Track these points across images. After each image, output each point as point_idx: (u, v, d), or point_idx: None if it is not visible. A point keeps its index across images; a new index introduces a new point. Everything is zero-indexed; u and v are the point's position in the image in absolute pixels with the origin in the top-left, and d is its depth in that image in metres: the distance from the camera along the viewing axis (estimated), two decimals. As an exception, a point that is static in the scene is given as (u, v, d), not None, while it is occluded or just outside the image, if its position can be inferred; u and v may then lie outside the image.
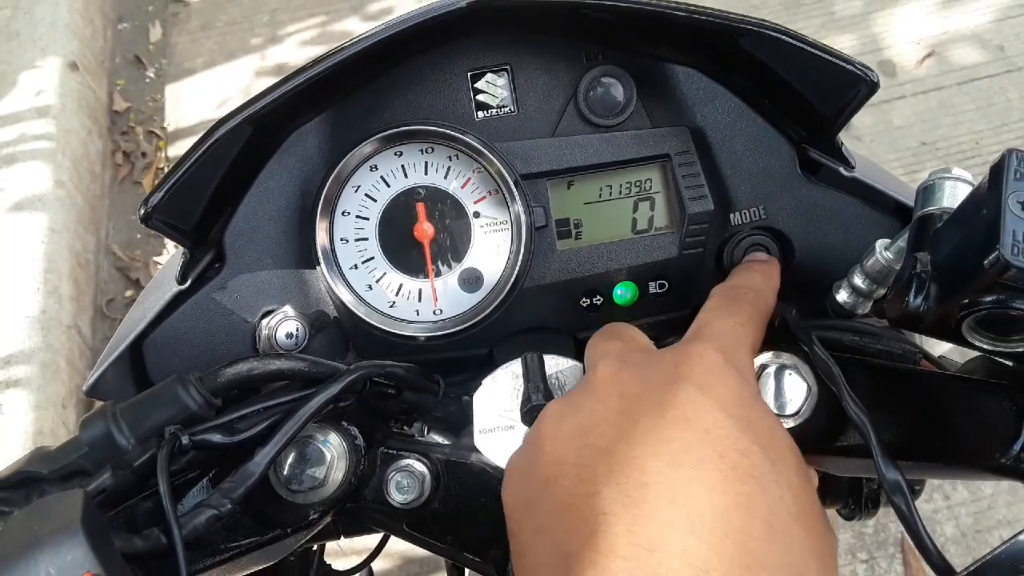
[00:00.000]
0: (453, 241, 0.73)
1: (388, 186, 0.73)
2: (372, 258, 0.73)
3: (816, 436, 0.57)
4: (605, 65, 0.72)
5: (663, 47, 0.71)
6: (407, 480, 0.64)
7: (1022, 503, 1.97)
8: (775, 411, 0.56)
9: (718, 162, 0.72)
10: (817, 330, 0.58)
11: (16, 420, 1.95)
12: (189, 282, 0.68)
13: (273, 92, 0.61)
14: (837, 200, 0.72)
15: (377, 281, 0.73)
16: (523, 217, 0.71)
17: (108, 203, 2.63)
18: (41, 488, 0.53)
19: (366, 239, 0.73)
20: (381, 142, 0.71)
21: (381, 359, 0.62)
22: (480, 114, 0.72)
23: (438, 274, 0.73)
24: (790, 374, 0.57)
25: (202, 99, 2.85)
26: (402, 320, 0.73)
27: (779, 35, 0.62)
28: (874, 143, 2.55)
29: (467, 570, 0.74)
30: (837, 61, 0.61)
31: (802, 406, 0.57)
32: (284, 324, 0.71)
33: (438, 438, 0.67)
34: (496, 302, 0.71)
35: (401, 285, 0.73)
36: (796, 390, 0.57)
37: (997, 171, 0.46)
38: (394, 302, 0.73)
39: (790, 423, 0.57)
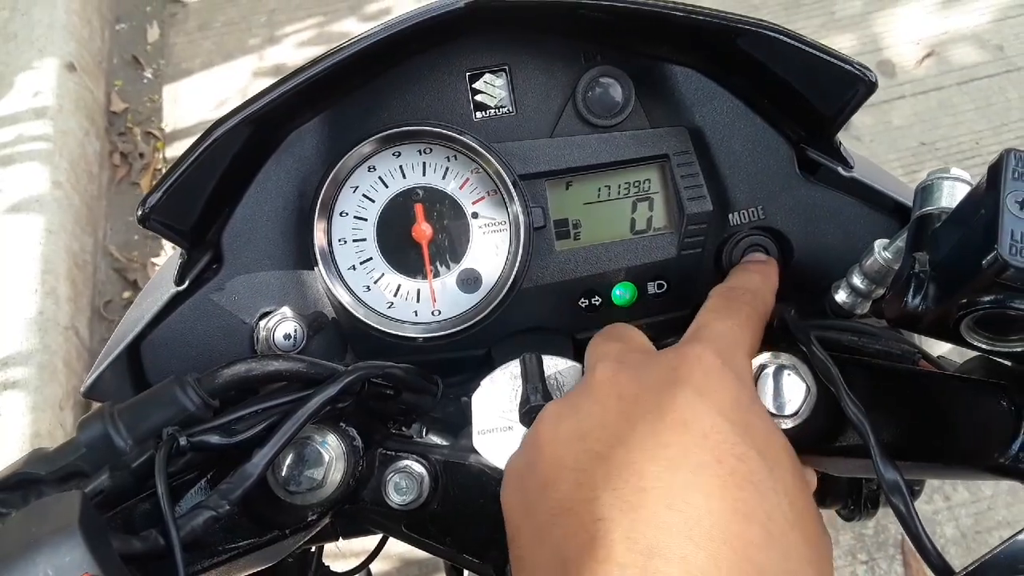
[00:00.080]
0: (451, 242, 0.73)
1: (386, 187, 0.72)
2: (370, 259, 0.73)
3: (815, 436, 0.57)
4: (603, 65, 0.72)
5: (662, 47, 0.71)
6: (405, 481, 0.64)
7: (1022, 504, 1.97)
8: (774, 411, 0.56)
9: (717, 162, 0.72)
10: (816, 330, 0.58)
11: (13, 422, 1.95)
12: (187, 283, 0.68)
13: (271, 92, 0.61)
14: (836, 200, 0.72)
15: (375, 282, 0.73)
16: (521, 218, 0.70)
17: (106, 204, 2.63)
18: (39, 489, 0.53)
19: (364, 240, 0.73)
20: (379, 142, 0.71)
21: (379, 360, 0.62)
22: (478, 114, 0.72)
23: (436, 275, 0.73)
24: (789, 374, 0.57)
25: (200, 100, 2.85)
26: (400, 321, 0.73)
27: (777, 35, 0.62)
28: (874, 143, 2.55)
29: (466, 571, 0.74)
30: (835, 61, 0.61)
31: (801, 406, 0.57)
32: (282, 325, 0.70)
33: (437, 439, 0.67)
34: (494, 303, 0.71)
35: (399, 286, 0.73)
36: (795, 390, 0.57)
37: (995, 171, 0.46)
38: (392, 303, 0.73)
39: (789, 423, 0.57)
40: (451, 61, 0.72)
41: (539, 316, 0.74)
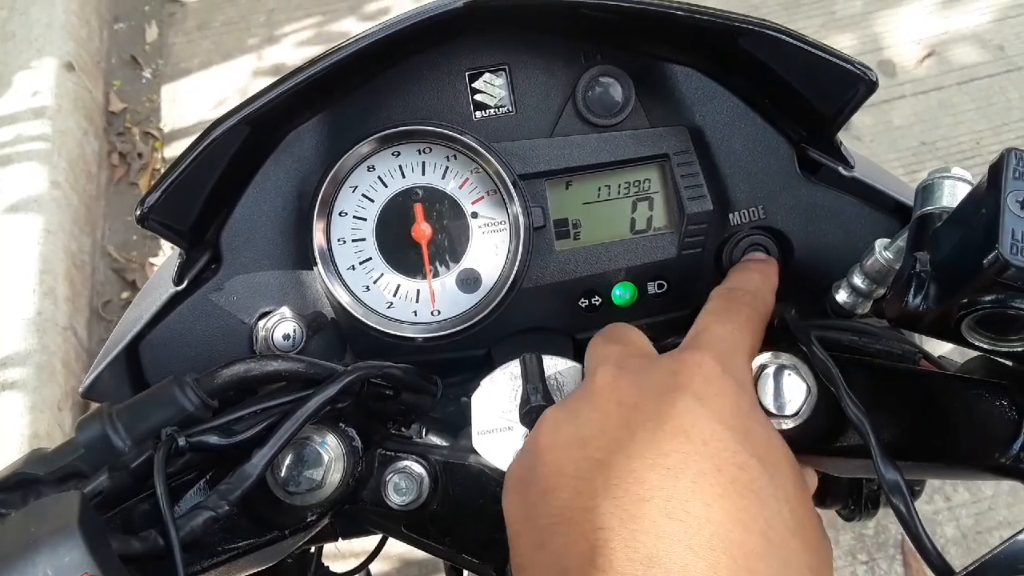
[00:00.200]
0: (451, 241, 0.73)
1: (385, 186, 0.72)
2: (369, 259, 0.73)
3: (815, 437, 0.57)
4: (603, 65, 0.72)
5: (662, 47, 0.71)
6: (405, 482, 0.64)
7: (1023, 504, 1.97)
8: (774, 411, 0.56)
9: (717, 162, 0.72)
10: (816, 330, 0.58)
11: (12, 422, 1.95)
12: (186, 283, 0.68)
13: (270, 92, 0.61)
14: (836, 200, 0.72)
15: (375, 282, 0.73)
16: (521, 217, 0.70)
17: (104, 204, 2.63)
18: (38, 490, 0.53)
19: (363, 240, 0.73)
20: (378, 142, 0.70)
21: (379, 360, 0.62)
22: (478, 114, 0.72)
23: (436, 275, 0.73)
24: (789, 374, 0.57)
25: (199, 100, 2.84)
26: (400, 321, 0.73)
27: (778, 34, 0.61)
28: (874, 143, 2.55)
29: (465, 571, 0.74)
30: (836, 60, 0.61)
31: (801, 407, 0.57)
32: (281, 325, 0.70)
33: (436, 439, 0.67)
34: (494, 303, 0.71)
35: (399, 286, 0.73)
36: (795, 391, 0.57)
37: (996, 170, 0.46)
38: (392, 303, 0.73)
39: (789, 424, 0.56)
40: (450, 61, 0.72)
41: (539, 316, 0.74)
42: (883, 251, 0.59)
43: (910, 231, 0.54)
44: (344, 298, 0.71)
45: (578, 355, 0.64)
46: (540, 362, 0.63)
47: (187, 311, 0.70)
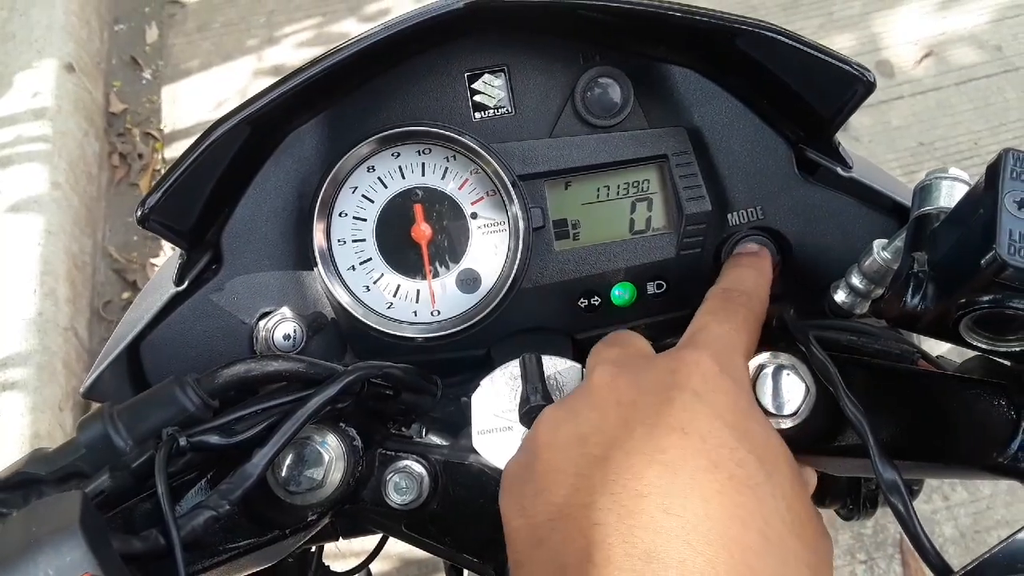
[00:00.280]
0: (451, 242, 0.73)
1: (385, 187, 0.73)
2: (369, 259, 0.73)
3: (814, 436, 0.57)
4: (602, 66, 0.72)
5: (660, 48, 0.71)
6: (405, 481, 0.64)
7: (1021, 503, 1.97)
8: (773, 411, 0.56)
9: (716, 162, 0.72)
10: (815, 330, 0.58)
11: (12, 423, 1.95)
12: (186, 284, 0.68)
13: (271, 93, 0.61)
14: (835, 200, 0.72)
15: (375, 282, 0.73)
16: (521, 218, 0.71)
17: (104, 205, 2.63)
18: (39, 490, 0.53)
19: (363, 240, 0.73)
20: (378, 143, 0.71)
21: (379, 360, 0.62)
22: (477, 115, 0.72)
23: (436, 275, 0.73)
24: (788, 374, 0.57)
25: (199, 100, 2.84)
26: (400, 321, 0.73)
27: (775, 35, 0.62)
28: (872, 143, 2.55)
29: (466, 571, 0.74)
30: (834, 61, 0.61)
31: (800, 406, 0.57)
32: (281, 325, 0.70)
33: (436, 439, 0.67)
34: (494, 303, 0.71)
35: (399, 286, 0.73)
36: (794, 390, 0.57)
37: (993, 171, 0.46)
38: (392, 303, 0.73)
39: (788, 423, 0.57)
40: (450, 61, 0.72)
41: (538, 316, 0.74)
42: (881, 251, 0.59)
43: (908, 231, 0.54)
44: (344, 298, 0.71)
45: (578, 355, 0.64)
46: (540, 362, 0.63)
47: (188, 311, 0.70)
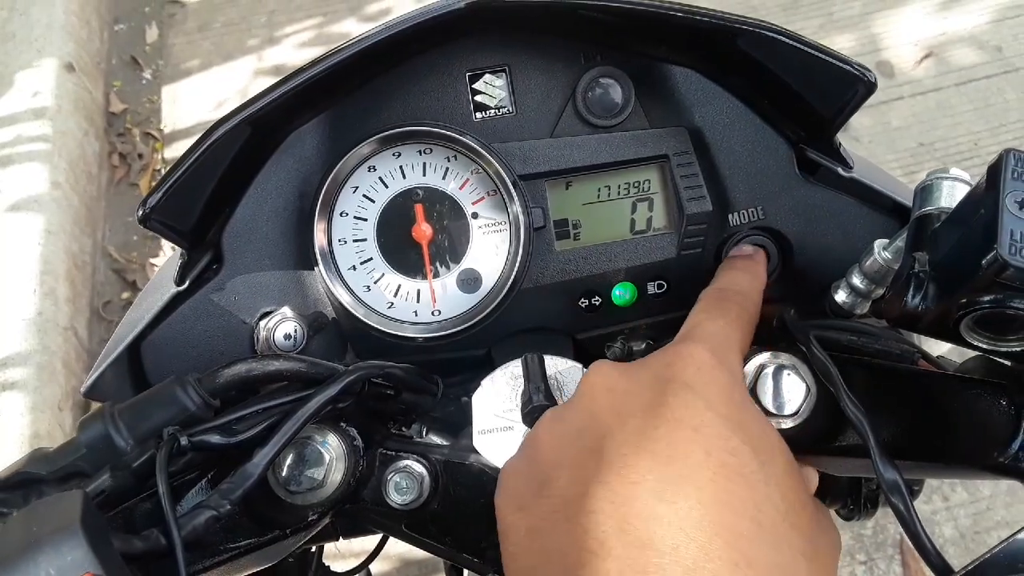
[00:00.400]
0: (451, 242, 0.73)
1: (386, 187, 0.73)
2: (370, 259, 0.73)
3: (815, 436, 0.57)
4: (603, 66, 0.72)
5: (661, 48, 0.71)
6: (406, 481, 0.64)
7: (1021, 504, 1.97)
8: (773, 411, 0.56)
9: (716, 163, 0.72)
10: (815, 330, 0.58)
11: (12, 423, 1.95)
12: (187, 283, 0.68)
13: (272, 93, 0.61)
14: (835, 200, 0.72)
15: (375, 282, 0.73)
16: (521, 218, 0.71)
17: (104, 205, 2.63)
18: (40, 489, 0.53)
19: (364, 240, 0.73)
20: (379, 143, 0.71)
21: (379, 360, 0.62)
22: (478, 115, 0.72)
23: (436, 275, 0.73)
24: (788, 374, 0.57)
25: (199, 100, 2.84)
26: (400, 321, 0.73)
27: (776, 35, 0.62)
28: (872, 144, 2.55)
29: (466, 571, 0.74)
30: (834, 61, 0.61)
31: (801, 406, 0.57)
32: (282, 325, 0.70)
33: (437, 439, 0.67)
34: (494, 303, 0.71)
35: (399, 286, 0.73)
36: (795, 390, 0.57)
37: (995, 171, 0.46)
38: (392, 303, 0.73)
39: (789, 423, 0.57)
40: (451, 61, 0.72)
41: (539, 316, 0.74)
42: (882, 251, 0.59)
43: (909, 231, 0.54)
44: (345, 298, 0.71)
45: (578, 355, 0.64)
46: (542, 362, 0.63)
47: (189, 311, 0.70)
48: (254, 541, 0.59)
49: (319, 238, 0.71)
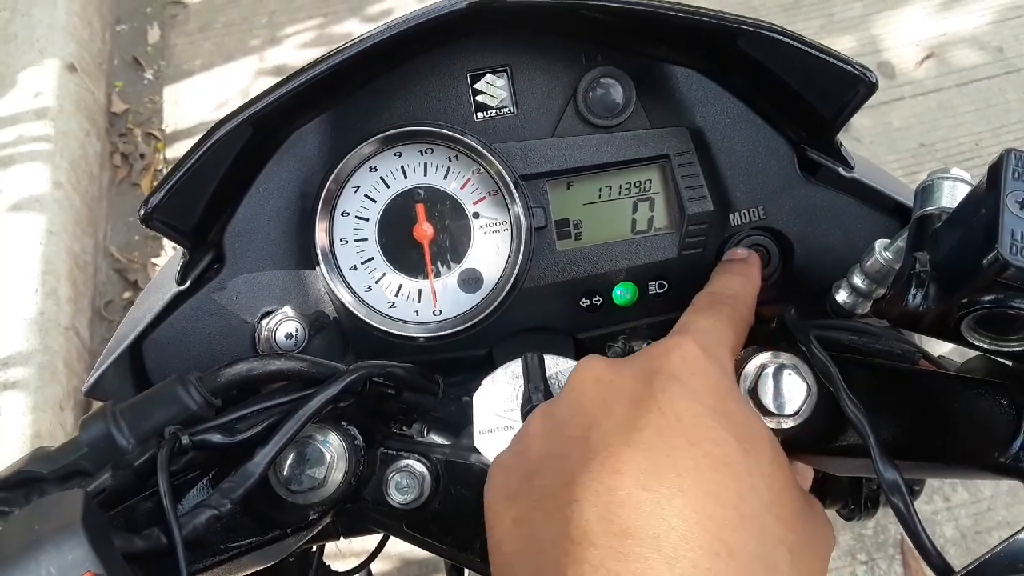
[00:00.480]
0: (453, 242, 0.73)
1: (387, 187, 0.73)
2: (372, 259, 0.73)
3: (815, 436, 0.57)
4: (604, 66, 0.72)
5: (662, 48, 0.71)
6: (407, 480, 0.64)
7: (1022, 504, 1.97)
8: (774, 411, 0.56)
9: (717, 163, 0.72)
10: (816, 330, 0.58)
11: (14, 422, 1.95)
12: (189, 283, 0.68)
13: (273, 93, 0.61)
14: (836, 200, 0.72)
15: (377, 282, 0.73)
16: (523, 218, 0.71)
17: (106, 205, 2.63)
18: (41, 488, 0.53)
19: (366, 240, 0.73)
20: (381, 143, 0.71)
21: (381, 359, 0.62)
22: (480, 115, 0.72)
23: (437, 275, 0.74)
24: (789, 374, 0.57)
25: (200, 101, 2.85)
26: (402, 321, 0.73)
27: (776, 35, 0.62)
28: (873, 144, 2.55)
29: (466, 571, 0.74)
30: (835, 61, 0.61)
31: (801, 406, 0.57)
32: (283, 325, 0.71)
33: (438, 438, 0.67)
34: (496, 303, 0.71)
35: (401, 286, 0.74)
36: (795, 390, 0.57)
37: (995, 171, 0.46)
38: (394, 303, 0.73)
39: (789, 423, 0.57)
40: (452, 61, 0.72)
41: (540, 316, 0.74)
42: (883, 251, 0.59)
43: (910, 231, 0.54)
44: (346, 298, 0.71)
45: (579, 355, 0.64)
46: (542, 361, 0.63)
47: (190, 310, 0.70)
48: (255, 540, 0.59)
49: (320, 238, 0.71)
